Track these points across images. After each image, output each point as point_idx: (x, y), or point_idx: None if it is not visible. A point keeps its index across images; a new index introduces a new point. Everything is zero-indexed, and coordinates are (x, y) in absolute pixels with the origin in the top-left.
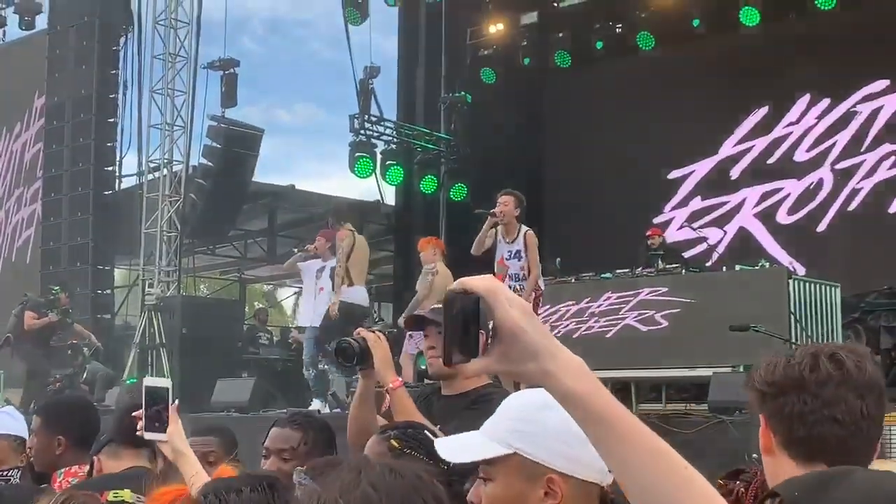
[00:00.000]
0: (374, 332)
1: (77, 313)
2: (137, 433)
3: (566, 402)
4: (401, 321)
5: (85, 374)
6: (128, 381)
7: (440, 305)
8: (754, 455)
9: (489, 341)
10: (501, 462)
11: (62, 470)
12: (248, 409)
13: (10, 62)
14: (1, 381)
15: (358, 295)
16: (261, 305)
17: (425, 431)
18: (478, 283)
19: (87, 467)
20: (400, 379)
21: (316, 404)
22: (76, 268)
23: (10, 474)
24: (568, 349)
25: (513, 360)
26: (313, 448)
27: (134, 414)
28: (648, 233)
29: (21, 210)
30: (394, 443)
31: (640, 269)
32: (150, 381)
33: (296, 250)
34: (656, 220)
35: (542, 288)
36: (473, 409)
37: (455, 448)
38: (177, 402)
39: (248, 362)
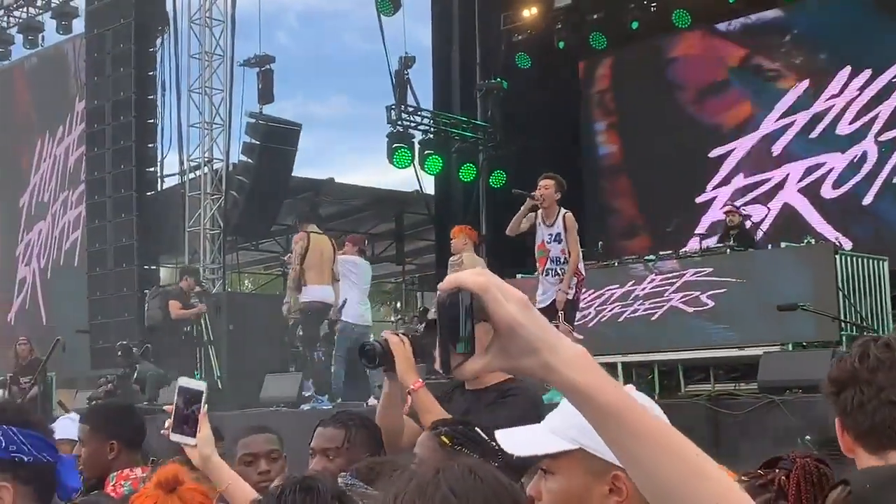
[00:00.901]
0: (397, 334)
1: (125, 313)
2: (162, 432)
3: (569, 394)
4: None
5: (136, 375)
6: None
7: None
8: (807, 437)
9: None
10: (565, 457)
11: (114, 474)
12: (296, 404)
13: (49, 67)
14: (53, 383)
15: (318, 293)
16: None
17: (476, 428)
18: (468, 278)
19: (140, 470)
20: (421, 381)
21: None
22: (122, 269)
23: None
24: (570, 340)
25: (512, 356)
26: (358, 446)
27: (165, 407)
28: (726, 209)
29: (67, 213)
30: (444, 439)
31: (684, 251)
32: (185, 381)
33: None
34: (699, 200)
35: (584, 273)
36: (500, 403)
37: (518, 441)
38: (206, 407)
39: (294, 356)
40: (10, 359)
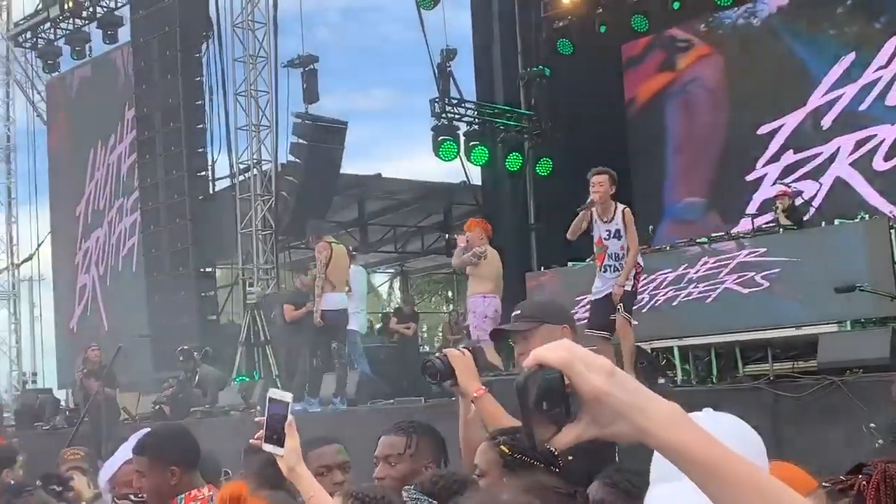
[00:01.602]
0: (458, 348)
1: (184, 317)
2: (254, 441)
3: (664, 453)
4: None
5: (196, 378)
6: (236, 381)
7: (518, 311)
8: (872, 424)
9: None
10: None
11: (181, 496)
12: (356, 402)
13: (98, 77)
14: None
15: (338, 301)
16: None
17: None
18: (550, 355)
19: (207, 489)
20: (484, 388)
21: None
22: (179, 272)
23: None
24: (659, 398)
25: (603, 424)
26: (420, 453)
27: (257, 419)
28: (778, 193)
29: (123, 220)
30: (504, 448)
31: (736, 231)
32: (274, 392)
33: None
34: (749, 178)
35: (642, 264)
36: None
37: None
38: (292, 418)
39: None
40: (79, 365)
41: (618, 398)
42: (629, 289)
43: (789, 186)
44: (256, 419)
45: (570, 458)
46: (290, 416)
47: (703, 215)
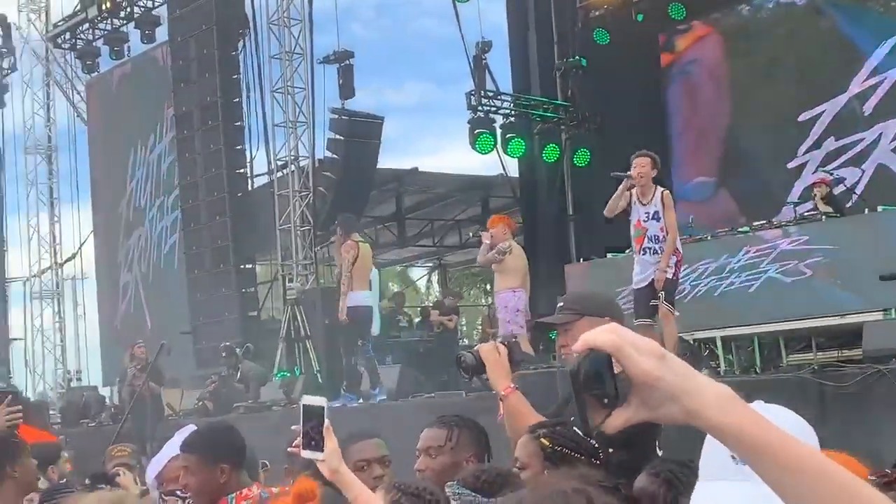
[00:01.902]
0: (496, 343)
1: (225, 313)
2: (291, 449)
3: (717, 435)
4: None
5: (238, 374)
6: (277, 376)
7: (561, 303)
8: None
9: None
10: None
11: (232, 495)
12: (396, 396)
13: (137, 76)
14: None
15: (363, 298)
16: (397, 289)
17: (574, 428)
18: (600, 338)
19: (255, 487)
20: (512, 386)
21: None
22: (220, 269)
23: None
24: (712, 381)
25: (653, 406)
26: (461, 446)
27: (293, 427)
28: (815, 181)
29: (164, 218)
30: (544, 441)
31: (778, 220)
32: (307, 399)
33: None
34: (791, 165)
35: (682, 251)
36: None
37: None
38: (328, 421)
39: (390, 347)
40: (128, 362)
41: (668, 381)
42: (670, 276)
43: (831, 174)
44: (293, 427)
45: (611, 450)
46: (326, 420)
47: (746, 205)
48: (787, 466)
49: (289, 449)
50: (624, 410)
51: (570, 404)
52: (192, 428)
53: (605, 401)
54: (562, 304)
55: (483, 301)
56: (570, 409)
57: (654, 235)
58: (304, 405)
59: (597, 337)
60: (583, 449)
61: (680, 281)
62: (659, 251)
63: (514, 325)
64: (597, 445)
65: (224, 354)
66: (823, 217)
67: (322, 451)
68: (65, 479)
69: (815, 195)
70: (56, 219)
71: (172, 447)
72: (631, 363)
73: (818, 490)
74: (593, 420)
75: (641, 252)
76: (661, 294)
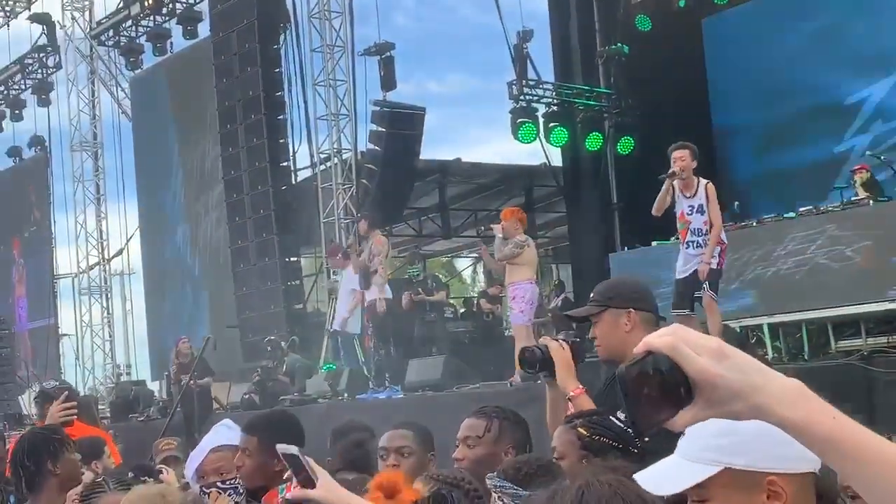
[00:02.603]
0: (557, 340)
1: (271, 306)
2: (288, 497)
3: (787, 430)
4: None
5: (284, 367)
6: (323, 368)
7: (592, 294)
8: None
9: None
10: (713, 481)
11: (283, 486)
12: (441, 387)
13: (180, 72)
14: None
15: (388, 291)
16: (443, 280)
17: (611, 417)
18: (656, 341)
19: None
20: (581, 387)
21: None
22: (265, 263)
23: (236, 482)
24: (780, 375)
25: (717, 404)
26: (501, 436)
27: (285, 476)
28: (855, 168)
29: (209, 213)
30: (581, 430)
31: (824, 205)
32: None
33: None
34: (837, 150)
35: (726, 241)
36: None
37: (660, 480)
38: (308, 459)
39: (436, 338)
40: (173, 358)
41: (729, 379)
42: (715, 266)
43: (880, 158)
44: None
45: (647, 440)
46: (304, 459)
47: (792, 189)
48: (858, 459)
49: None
50: (690, 409)
51: (608, 391)
52: (228, 423)
53: (673, 401)
54: (592, 295)
55: None
56: (609, 397)
57: (698, 228)
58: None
59: (653, 340)
60: (620, 438)
61: (724, 269)
62: (702, 244)
63: (528, 316)
64: (634, 435)
65: (270, 348)
66: (871, 202)
67: (314, 486)
68: (101, 477)
69: (856, 181)
70: (103, 215)
71: (211, 440)
72: (688, 363)
73: (889, 482)
74: (651, 418)
75: (686, 245)
76: (706, 284)
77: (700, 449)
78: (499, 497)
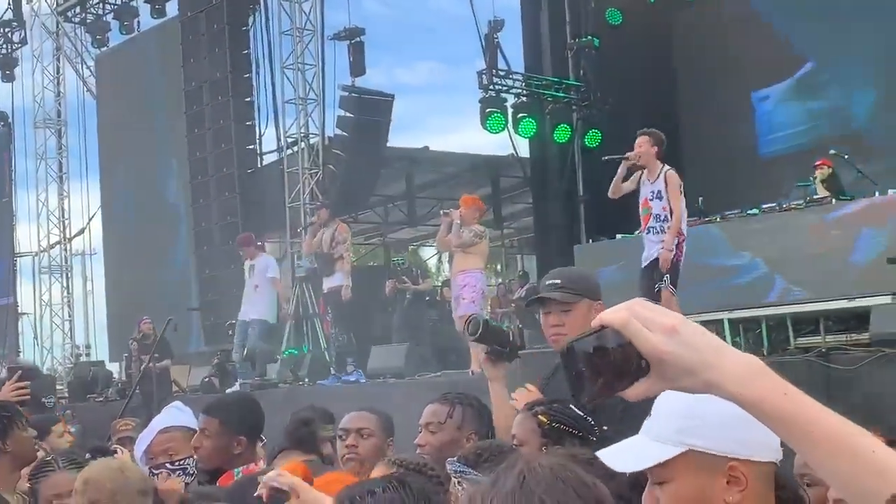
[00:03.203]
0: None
1: (233, 289)
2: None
3: (741, 406)
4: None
5: (245, 351)
6: (284, 354)
7: (557, 280)
8: None
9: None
10: (674, 462)
11: (239, 469)
12: (403, 374)
13: (146, 51)
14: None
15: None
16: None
17: (571, 405)
18: (610, 317)
19: (262, 464)
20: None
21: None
22: (228, 246)
23: (185, 463)
24: (734, 351)
25: (670, 379)
26: (462, 422)
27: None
28: (817, 163)
29: (173, 194)
30: (542, 418)
31: (787, 202)
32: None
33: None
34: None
35: (685, 234)
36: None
37: (623, 457)
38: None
39: (399, 326)
40: (133, 337)
41: (679, 355)
42: (673, 258)
43: (844, 157)
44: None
45: (605, 428)
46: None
47: (756, 187)
48: (806, 435)
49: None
50: (643, 382)
51: (553, 378)
52: (179, 405)
53: (618, 377)
54: (559, 281)
55: (492, 282)
56: (555, 385)
57: (658, 214)
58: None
59: (610, 316)
60: (579, 426)
61: (686, 260)
62: (660, 230)
63: (478, 307)
64: (594, 423)
65: (231, 331)
66: (833, 200)
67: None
68: (51, 456)
69: (816, 177)
70: (65, 194)
71: (160, 422)
72: (639, 339)
73: (838, 459)
74: (603, 390)
75: (646, 231)
76: (666, 277)
77: (665, 429)
78: (458, 482)
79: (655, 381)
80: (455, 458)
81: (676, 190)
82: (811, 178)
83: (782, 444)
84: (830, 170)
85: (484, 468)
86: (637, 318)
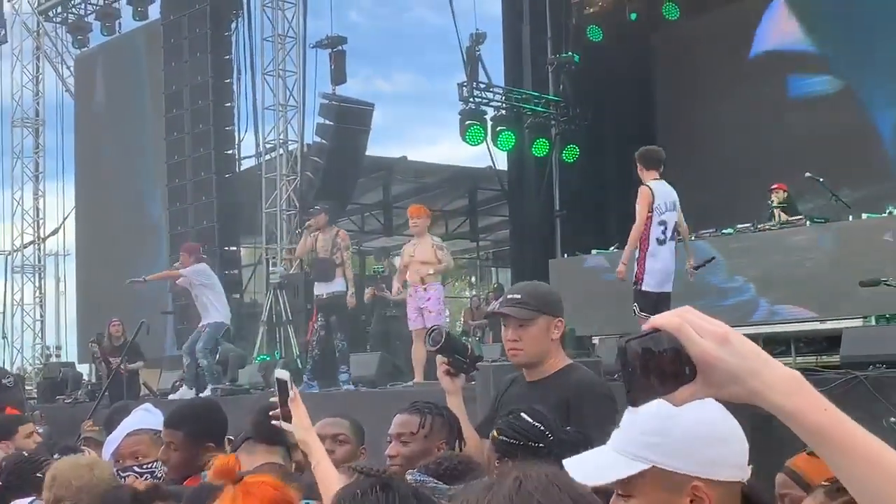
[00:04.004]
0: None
1: None
2: (275, 423)
3: (781, 417)
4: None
5: (217, 356)
6: (257, 359)
7: (518, 296)
8: (892, 419)
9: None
10: (640, 478)
11: (206, 472)
12: (376, 384)
13: (127, 53)
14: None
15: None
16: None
17: (522, 414)
18: (666, 321)
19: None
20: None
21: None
22: (203, 250)
23: (154, 466)
24: (779, 364)
25: (715, 385)
26: (433, 433)
27: (271, 399)
28: (773, 186)
29: (150, 197)
30: (494, 433)
31: (759, 224)
32: (278, 373)
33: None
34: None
35: (646, 254)
36: (555, 388)
37: (587, 469)
38: (293, 393)
39: (371, 335)
40: (92, 339)
41: (728, 362)
42: (633, 282)
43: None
44: (271, 400)
45: (551, 438)
46: (291, 392)
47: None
48: (843, 451)
49: (273, 423)
50: (689, 387)
51: (507, 392)
52: (148, 406)
53: (668, 379)
54: (519, 296)
55: (467, 293)
56: (507, 398)
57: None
58: (277, 379)
59: (662, 320)
60: (529, 434)
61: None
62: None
63: (441, 318)
64: (544, 431)
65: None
66: (808, 222)
67: (290, 421)
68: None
69: (773, 200)
70: (40, 193)
71: (129, 424)
72: (691, 344)
73: (872, 478)
74: (650, 392)
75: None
76: (634, 307)
77: (632, 444)
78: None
79: (701, 386)
80: (416, 468)
81: (642, 203)
82: (768, 203)
83: (761, 466)
84: (786, 193)
85: (444, 478)
86: (689, 324)
